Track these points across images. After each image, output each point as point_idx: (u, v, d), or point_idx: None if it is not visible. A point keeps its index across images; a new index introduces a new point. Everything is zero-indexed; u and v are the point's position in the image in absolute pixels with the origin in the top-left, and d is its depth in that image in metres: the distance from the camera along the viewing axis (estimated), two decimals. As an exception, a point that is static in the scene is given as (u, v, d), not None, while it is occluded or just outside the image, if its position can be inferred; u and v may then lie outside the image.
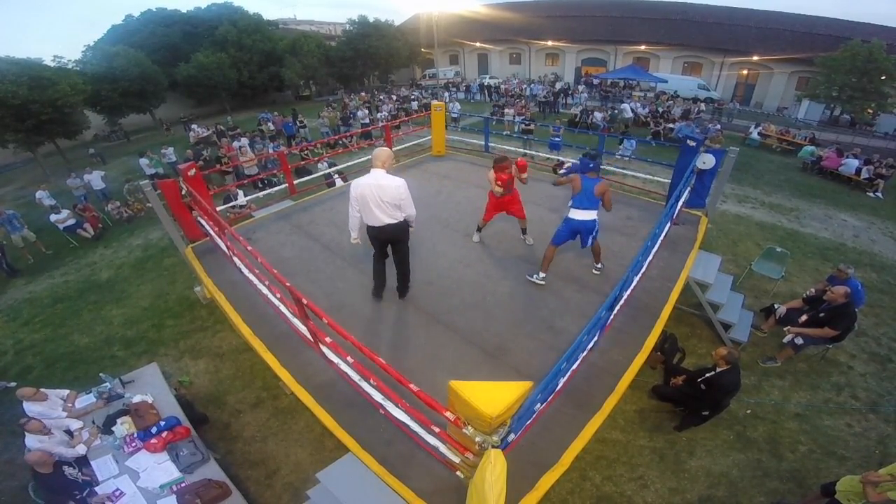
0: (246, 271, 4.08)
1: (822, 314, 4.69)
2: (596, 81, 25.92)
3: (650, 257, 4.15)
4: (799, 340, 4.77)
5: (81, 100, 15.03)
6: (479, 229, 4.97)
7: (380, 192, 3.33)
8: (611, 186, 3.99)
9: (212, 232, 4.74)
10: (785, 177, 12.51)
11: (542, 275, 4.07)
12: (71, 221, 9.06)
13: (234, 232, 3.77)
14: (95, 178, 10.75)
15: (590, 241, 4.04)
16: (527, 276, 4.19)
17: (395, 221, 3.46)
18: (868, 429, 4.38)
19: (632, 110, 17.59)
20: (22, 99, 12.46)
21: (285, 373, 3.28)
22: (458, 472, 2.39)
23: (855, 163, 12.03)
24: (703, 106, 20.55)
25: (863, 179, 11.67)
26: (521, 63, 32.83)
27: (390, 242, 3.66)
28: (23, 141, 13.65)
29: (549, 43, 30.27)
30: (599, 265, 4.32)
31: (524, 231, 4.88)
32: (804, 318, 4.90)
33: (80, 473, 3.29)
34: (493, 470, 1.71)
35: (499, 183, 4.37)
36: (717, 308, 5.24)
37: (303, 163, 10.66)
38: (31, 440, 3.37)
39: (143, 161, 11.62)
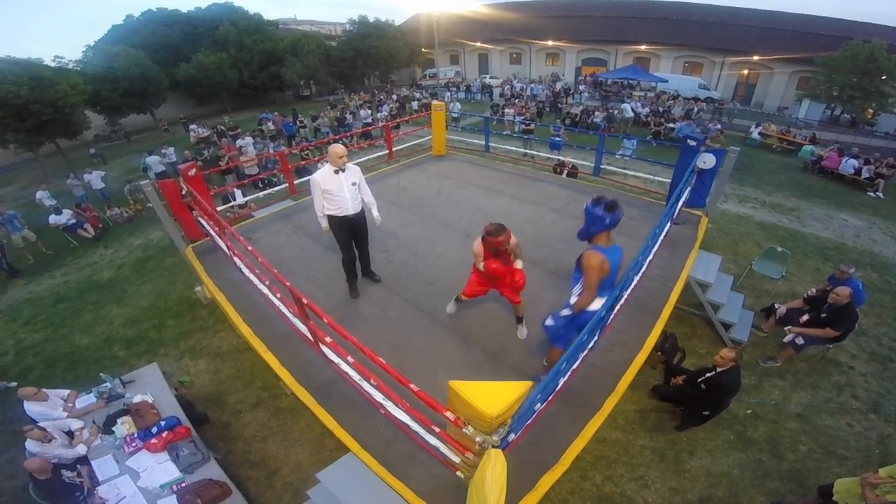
0: (246, 271, 4.08)
1: (824, 314, 4.67)
2: (599, 80, 25.91)
3: (650, 257, 4.15)
4: (800, 340, 4.76)
5: (82, 100, 15.05)
6: (457, 299, 3.58)
7: None
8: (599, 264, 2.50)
9: (212, 232, 4.74)
10: (785, 176, 12.49)
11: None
12: (71, 221, 9.07)
13: (234, 232, 3.77)
14: (95, 179, 10.77)
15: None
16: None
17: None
18: (869, 429, 4.38)
19: (632, 110, 17.57)
20: (23, 99, 12.47)
21: (285, 373, 3.28)
22: (458, 472, 2.39)
23: (852, 163, 12.01)
24: (703, 106, 20.51)
25: (863, 179, 11.65)
26: (522, 63, 32.79)
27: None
28: (23, 141, 13.68)
29: (550, 43, 30.24)
30: None
31: (519, 320, 3.53)
32: (805, 317, 4.88)
33: (77, 476, 3.29)
34: (494, 470, 1.71)
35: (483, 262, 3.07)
36: (717, 308, 5.24)
37: (303, 162, 10.65)
38: (32, 445, 3.37)
39: (154, 159, 11.68)
